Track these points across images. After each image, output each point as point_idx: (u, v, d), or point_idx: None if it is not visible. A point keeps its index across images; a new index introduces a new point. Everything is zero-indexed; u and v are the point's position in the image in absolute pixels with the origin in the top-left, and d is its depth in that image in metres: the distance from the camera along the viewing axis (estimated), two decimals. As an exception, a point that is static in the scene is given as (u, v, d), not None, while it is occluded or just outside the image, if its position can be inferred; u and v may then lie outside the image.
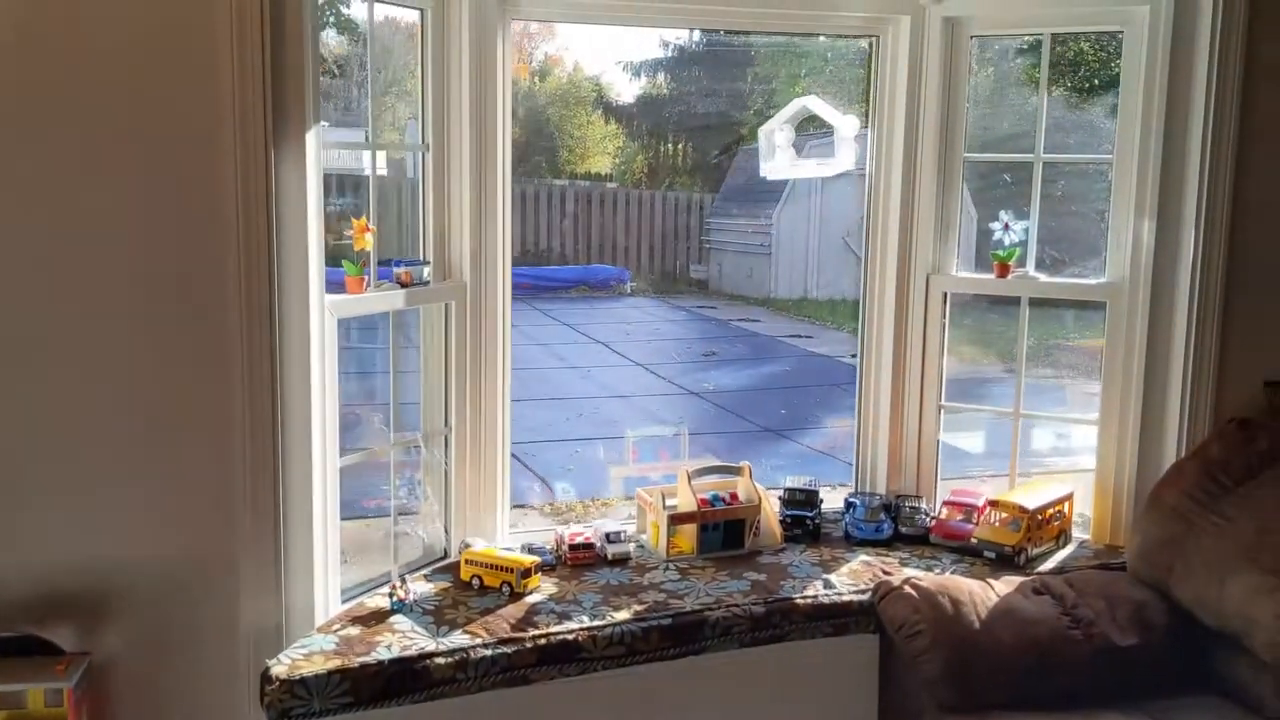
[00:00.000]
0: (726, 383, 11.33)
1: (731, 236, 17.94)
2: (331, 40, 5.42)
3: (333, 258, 2.81)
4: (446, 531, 3.22)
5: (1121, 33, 3.24)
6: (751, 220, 17.26)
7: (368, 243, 2.83)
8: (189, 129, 2.51)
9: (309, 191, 2.59)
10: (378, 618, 2.76)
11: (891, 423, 3.61)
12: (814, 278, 16.16)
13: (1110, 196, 3.31)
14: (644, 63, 28.00)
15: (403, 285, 2.96)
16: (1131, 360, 3.30)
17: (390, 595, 2.81)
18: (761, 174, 3.61)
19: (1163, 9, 3.12)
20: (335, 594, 2.84)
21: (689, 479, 3.26)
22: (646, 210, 19.29)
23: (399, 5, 2.95)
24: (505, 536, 3.30)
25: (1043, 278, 3.46)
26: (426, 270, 3.03)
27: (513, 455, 3.32)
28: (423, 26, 2.99)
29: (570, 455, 8.37)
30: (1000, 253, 3.46)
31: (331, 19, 4.80)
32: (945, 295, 3.53)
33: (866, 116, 3.54)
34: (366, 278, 2.87)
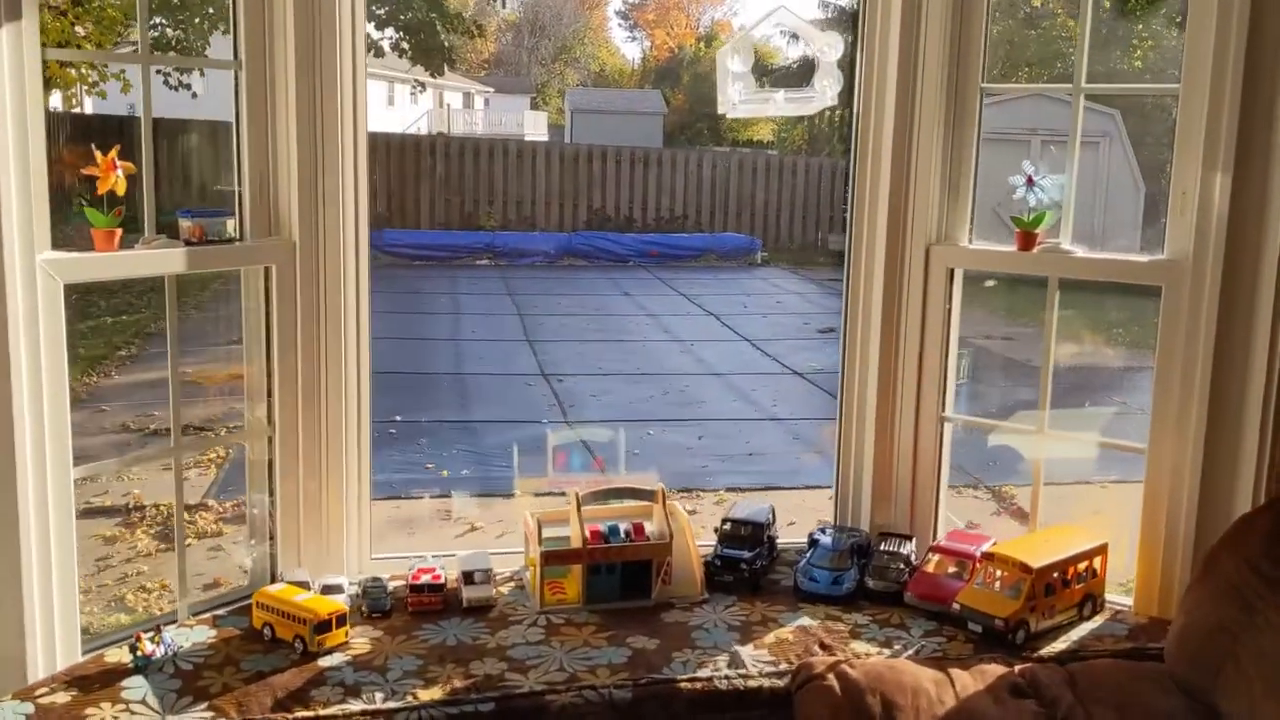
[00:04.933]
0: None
1: (874, 205, 16.83)
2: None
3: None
4: (273, 558, 2.56)
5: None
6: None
7: (116, 183, 2.15)
8: None
9: (5, 111, 1.95)
10: (107, 679, 2.10)
11: (878, 437, 2.77)
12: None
13: (1174, 143, 2.39)
14: (810, 21, 26.96)
15: (190, 243, 2.29)
16: (1194, 366, 2.37)
17: (133, 648, 2.15)
18: (720, 111, 2.80)
19: None
20: (74, 643, 2.20)
21: (579, 504, 2.50)
22: (788, 177, 18.34)
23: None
24: (365, 564, 2.63)
25: (1079, 252, 2.54)
26: (230, 224, 2.35)
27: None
28: (228, -91, 2.31)
29: (640, 438, 7.66)
30: (1024, 218, 2.57)
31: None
32: (951, 272, 2.66)
33: (856, 38, 2.70)
34: (120, 231, 2.19)
